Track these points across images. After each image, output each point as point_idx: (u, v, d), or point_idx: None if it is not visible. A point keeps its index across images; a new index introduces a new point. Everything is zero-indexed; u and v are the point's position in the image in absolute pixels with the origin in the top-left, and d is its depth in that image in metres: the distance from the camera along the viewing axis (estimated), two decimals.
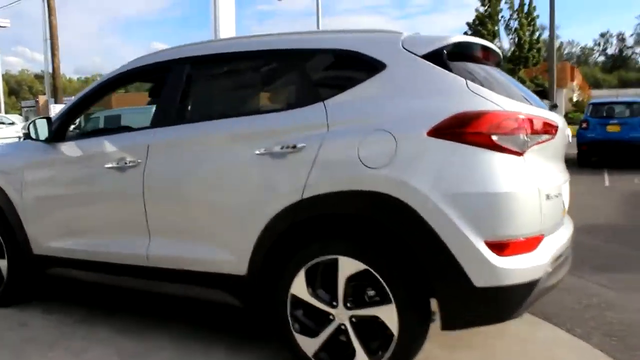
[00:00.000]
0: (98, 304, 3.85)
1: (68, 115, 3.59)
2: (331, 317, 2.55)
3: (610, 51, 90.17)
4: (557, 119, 2.71)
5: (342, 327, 2.53)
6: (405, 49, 2.58)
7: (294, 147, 2.58)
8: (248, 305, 2.82)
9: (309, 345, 2.60)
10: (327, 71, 2.76)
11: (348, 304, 2.51)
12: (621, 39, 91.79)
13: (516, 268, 2.29)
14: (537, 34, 35.46)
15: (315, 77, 2.74)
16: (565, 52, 67.08)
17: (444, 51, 2.54)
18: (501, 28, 36.60)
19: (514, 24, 35.84)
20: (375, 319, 2.47)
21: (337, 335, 2.57)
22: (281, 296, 2.65)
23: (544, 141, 2.48)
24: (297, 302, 2.62)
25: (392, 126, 2.41)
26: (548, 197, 2.45)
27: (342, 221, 2.52)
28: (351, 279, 2.49)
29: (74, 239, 3.40)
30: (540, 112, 2.57)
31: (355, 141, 2.45)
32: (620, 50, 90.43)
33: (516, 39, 35.57)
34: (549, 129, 2.52)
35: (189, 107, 3.18)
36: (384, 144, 2.39)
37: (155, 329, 3.33)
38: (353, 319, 2.51)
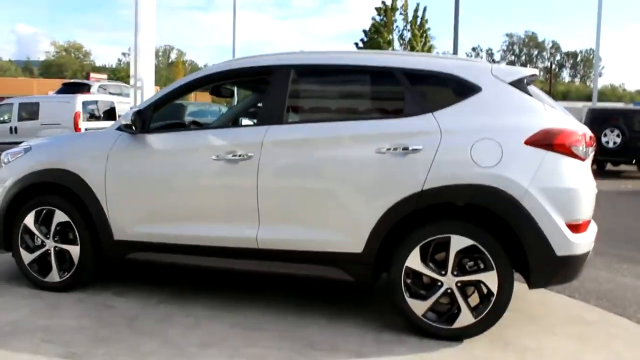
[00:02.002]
0: (161, 286, 4.13)
1: (154, 108, 3.88)
2: (439, 283, 3.24)
3: None
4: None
5: (449, 290, 3.23)
6: (495, 76, 3.37)
7: (414, 149, 3.24)
8: (359, 278, 3.41)
9: (419, 307, 3.27)
10: (433, 88, 3.44)
11: (455, 272, 3.23)
12: (490, 53, 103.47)
13: (582, 242, 3.18)
14: (428, 44, 38.47)
15: (423, 92, 3.42)
16: None
17: (524, 80, 3.38)
18: (395, 38, 39.40)
19: (408, 35, 38.70)
20: (479, 283, 3.22)
21: (440, 298, 3.27)
22: (397, 268, 3.28)
23: (592, 151, 3.41)
24: (411, 272, 3.28)
25: (496, 136, 3.18)
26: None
27: (455, 207, 3.24)
28: (459, 253, 3.21)
29: (169, 225, 3.70)
30: (585, 127, 3.49)
31: (468, 146, 3.18)
32: None
33: (409, 49, 38.36)
34: (593, 142, 3.45)
35: (306, 109, 3.69)
36: (492, 149, 3.15)
37: (251, 307, 3.75)
38: (458, 284, 3.22)
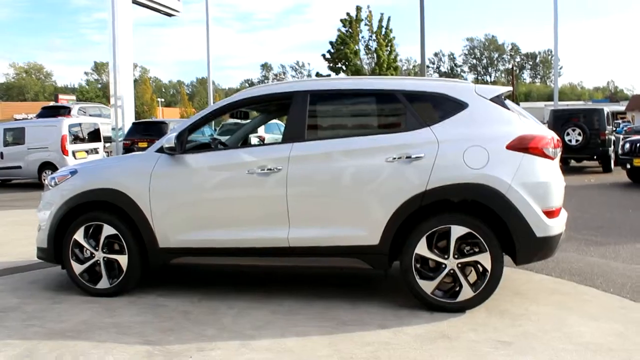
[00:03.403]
0: (196, 287, 4.74)
1: (189, 132, 4.50)
2: (443, 266, 3.95)
3: (443, 69, 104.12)
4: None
5: (451, 271, 3.94)
6: (478, 94, 4.12)
7: (417, 156, 3.96)
8: (376, 266, 4.10)
9: (428, 286, 3.97)
10: (428, 106, 4.16)
11: (456, 255, 3.94)
12: (452, 58, 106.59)
13: (556, 225, 3.95)
14: (394, 54, 39.62)
15: (421, 110, 4.14)
16: (404, 68, 76.84)
17: (502, 96, 4.14)
18: (362, 48, 40.52)
19: (374, 45, 39.84)
20: (476, 263, 3.94)
21: (445, 278, 3.98)
22: (408, 255, 3.98)
23: (559, 152, 4.18)
24: (420, 258, 3.98)
25: (483, 143, 3.92)
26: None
27: (453, 203, 3.96)
28: (459, 239, 3.92)
29: (209, 231, 4.33)
30: (552, 132, 4.25)
31: (460, 152, 3.91)
32: (451, 68, 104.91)
33: (375, 58, 39.46)
34: (560, 144, 4.22)
35: (324, 127, 4.40)
36: (480, 154, 3.90)
37: (283, 297, 4.39)
38: (459, 265, 3.94)
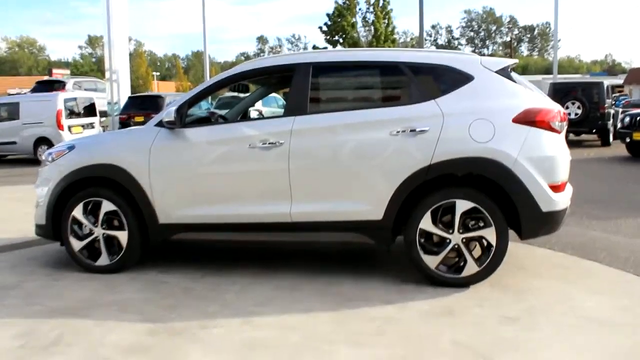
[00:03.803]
0: (197, 263, 4.70)
1: (189, 105, 4.41)
2: (448, 240, 3.91)
3: (440, 42, 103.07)
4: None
5: (456, 246, 3.91)
6: (484, 66, 4.02)
7: (421, 130, 3.88)
8: (379, 241, 4.06)
9: (432, 261, 3.93)
10: (433, 79, 4.07)
11: (460, 230, 3.90)
12: (449, 31, 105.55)
13: (561, 200, 3.90)
14: (391, 26, 39.13)
15: (425, 82, 4.05)
16: (401, 41, 76.01)
17: (508, 68, 4.05)
18: (359, 20, 40.03)
19: (371, 17, 39.33)
20: (480, 238, 3.90)
21: (449, 253, 3.94)
22: (412, 230, 3.93)
23: (565, 125, 4.11)
24: (424, 233, 3.94)
25: (489, 116, 3.84)
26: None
27: (458, 177, 3.89)
28: (463, 214, 3.87)
29: (210, 206, 4.27)
30: (558, 105, 4.17)
31: (466, 126, 3.84)
32: (449, 41, 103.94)
33: (373, 31, 38.98)
34: (566, 117, 4.14)
35: (326, 100, 4.31)
36: (486, 127, 3.82)
37: (285, 273, 4.36)
38: (464, 240, 3.90)
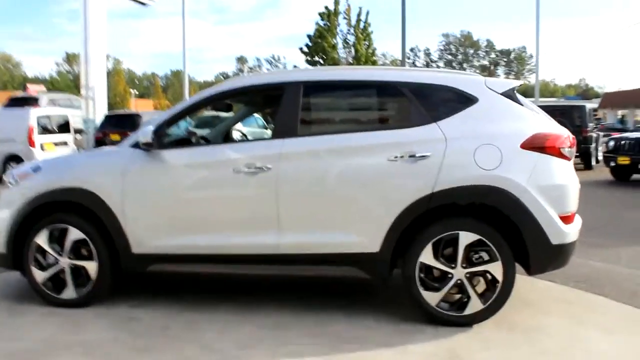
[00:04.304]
0: (174, 296, 4.29)
1: (168, 125, 4.04)
2: (450, 275, 3.58)
3: (418, 64, 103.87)
4: None
5: (459, 282, 3.58)
6: (488, 87, 3.75)
7: (423, 155, 3.57)
8: (375, 276, 3.71)
9: (433, 298, 3.60)
10: (435, 100, 3.77)
11: (464, 265, 3.58)
12: (427, 53, 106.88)
13: (572, 231, 3.61)
14: (372, 48, 39.23)
15: (426, 104, 3.75)
16: (381, 63, 75.74)
17: (514, 90, 3.78)
18: (340, 41, 40.09)
19: (352, 39, 39.39)
20: (485, 273, 3.58)
21: (451, 289, 3.61)
22: (412, 264, 3.60)
23: (574, 151, 3.84)
24: (424, 267, 3.60)
25: (495, 141, 3.55)
26: None
27: (462, 207, 3.59)
28: (467, 247, 3.56)
29: (190, 236, 3.88)
30: (566, 130, 3.92)
31: (471, 151, 3.54)
32: (427, 64, 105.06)
33: (354, 53, 39.03)
34: (575, 143, 3.88)
35: (318, 122, 3.97)
36: (492, 153, 3.53)
37: (269, 309, 3.98)
38: (467, 275, 3.58)
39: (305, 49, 39.13)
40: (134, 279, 4.43)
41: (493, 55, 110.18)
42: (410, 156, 3.59)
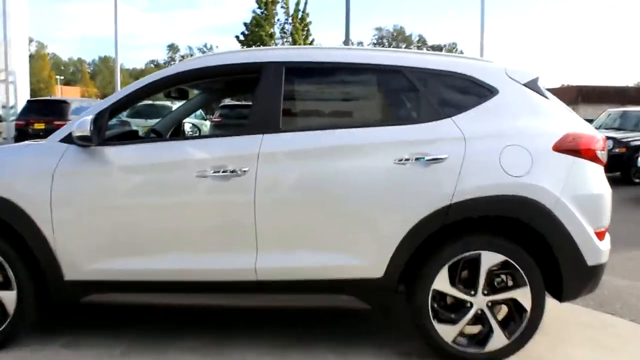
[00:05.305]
0: (117, 330, 3.43)
1: (111, 114, 3.17)
2: (469, 304, 2.95)
3: None
4: None
5: (479, 312, 2.96)
6: (510, 77, 3.13)
7: (438, 158, 2.90)
8: (377, 305, 3.02)
9: (448, 332, 2.96)
10: (448, 91, 3.10)
11: (485, 292, 2.95)
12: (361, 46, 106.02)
13: (606, 250, 3.06)
14: (310, 38, 38.33)
15: (438, 95, 3.08)
16: None
17: (537, 81, 3.17)
18: (277, 31, 38.91)
19: (289, 28, 38.36)
20: (511, 301, 2.97)
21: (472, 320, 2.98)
22: (423, 292, 2.93)
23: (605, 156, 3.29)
24: (438, 295, 2.95)
25: (523, 142, 2.94)
26: None
27: (484, 221, 2.95)
28: (491, 270, 2.94)
29: (140, 258, 3.05)
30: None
31: (496, 153, 2.91)
32: None
33: (291, 42, 37.97)
34: (606, 146, 3.34)
35: (305, 114, 3.20)
36: (521, 156, 2.91)
37: (241, 346, 3.21)
38: (489, 304, 2.96)
39: (242, 38, 37.93)
40: (72, 309, 3.52)
41: (424, 50, 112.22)
42: (423, 159, 2.91)
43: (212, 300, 3.09)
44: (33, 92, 22.52)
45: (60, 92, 58.10)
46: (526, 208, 2.89)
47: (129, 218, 3.05)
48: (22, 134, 13.70)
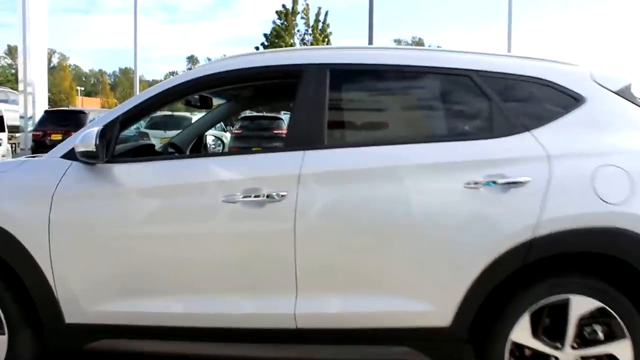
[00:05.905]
0: None
1: (121, 127, 2.69)
2: None
3: None
4: None
5: None
6: (598, 83, 2.59)
7: (518, 181, 2.37)
8: (443, 359, 2.49)
9: None
10: (526, 99, 2.58)
11: (574, 345, 2.40)
12: None
13: None
14: None
15: (514, 104, 2.55)
16: None
17: (630, 88, 2.63)
18: (297, 42, 38.62)
19: (310, 39, 38.08)
20: (607, 357, 2.41)
21: None
22: (499, 344, 2.40)
23: None
24: (517, 348, 2.41)
25: (620, 161, 2.40)
26: None
27: (574, 259, 2.41)
28: (583, 318, 2.39)
29: (153, 299, 2.56)
30: None
31: (587, 176, 2.37)
32: None
33: None
34: None
35: (354, 127, 2.70)
36: (618, 178, 2.37)
37: None
38: (581, 359, 2.41)
39: (262, 49, 37.88)
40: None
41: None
42: (500, 182, 2.38)
43: (240, 351, 2.56)
44: (55, 103, 22.42)
45: (80, 103, 58.96)
46: (625, 243, 2.35)
47: (141, 251, 2.57)
48: (39, 144, 13.40)
